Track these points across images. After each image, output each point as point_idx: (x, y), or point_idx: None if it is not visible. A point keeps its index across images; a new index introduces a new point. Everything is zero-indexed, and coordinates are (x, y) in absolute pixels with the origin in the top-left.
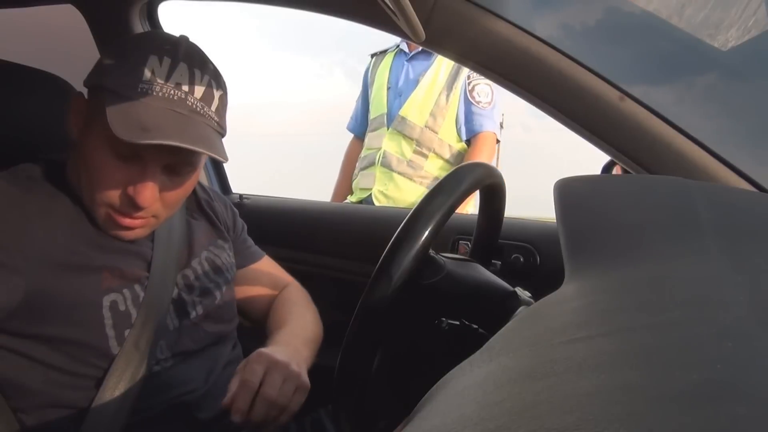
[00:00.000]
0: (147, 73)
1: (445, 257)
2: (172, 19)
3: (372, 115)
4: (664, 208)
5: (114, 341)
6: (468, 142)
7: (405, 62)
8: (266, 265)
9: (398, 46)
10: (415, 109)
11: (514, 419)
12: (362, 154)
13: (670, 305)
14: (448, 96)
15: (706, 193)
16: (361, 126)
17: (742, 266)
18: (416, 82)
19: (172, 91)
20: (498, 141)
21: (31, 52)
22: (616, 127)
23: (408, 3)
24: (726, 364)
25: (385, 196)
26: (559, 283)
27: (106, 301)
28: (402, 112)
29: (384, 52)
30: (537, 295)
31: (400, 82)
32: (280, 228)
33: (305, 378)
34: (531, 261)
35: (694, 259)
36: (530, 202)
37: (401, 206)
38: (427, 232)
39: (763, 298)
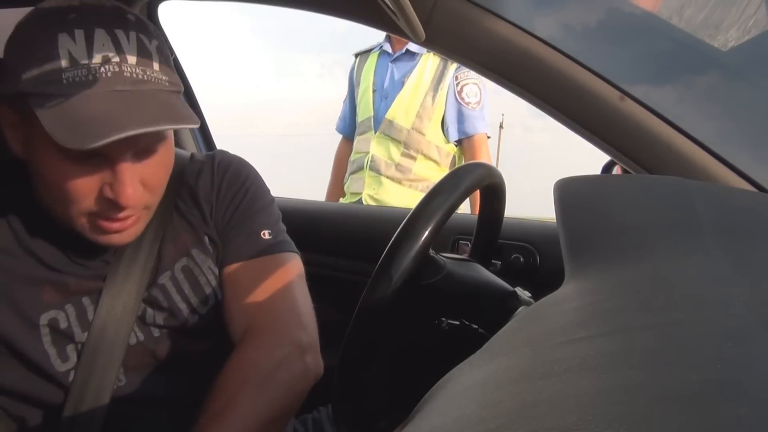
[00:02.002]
0: (63, 57)
1: (445, 257)
2: (172, 19)
3: (359, 118)
4: (664, 208)
5: (57, 359)
6: (460, 143)
7: (389, 64)
8: (260, 274)
9: (381, 46)
10: (401, 111)
11: (514, 419)
12: (351, 157)
13: (670, 305)
14: (434, 97)
15: (706, 193)
16: (349, 127)
17: (742, 266)
18: (401, 83)
19: (101, 69)
20: (488, 137)
21: None
22: (616, 127)
23: (408, 3)
24: (726, 364)
25: (375, 200)
26: (559, 283)
27: (44, 319)
28: (389, 115)
29: (368, 52)
30: (537, 295)
31: (386, 84)
32: None
33: None
34: (531, 261)
35: (694, 259)
36: (530, 202)
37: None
38: (427, 232)
39: (763, 298)
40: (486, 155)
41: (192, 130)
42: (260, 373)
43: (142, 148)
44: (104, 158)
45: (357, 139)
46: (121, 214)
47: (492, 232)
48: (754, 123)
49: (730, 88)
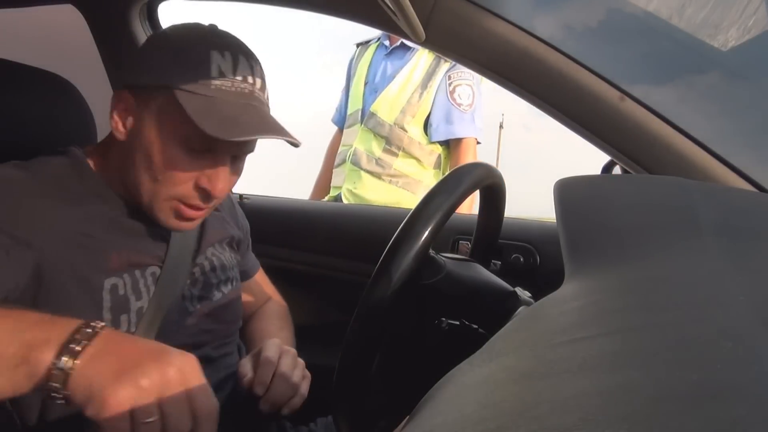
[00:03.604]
0: (214, 70)
1: (445, 257)
2: (172, 20)
3: (349, 110)
4: (664, 208)
5: (109, 325)
6: (446, 143)
7: (384, 57)
8: (262, 277)
9: (380, 38)
10: (386, 106)
11: (514, 419)
12: (339, 150)
13: (670, 305)
14: (421, 94)
15: (706, 193)
16: (344, 119)
17: (742, 266)
18: (392, 78)
19: (242, 85)
20: (478, 143)
21: (31, 52)
22: (616, 127)
23: (408, 3)
24: (726, 364)
25: (353, 194)
26: (559, 283)
27: (108, 283)
28: (373, 108)
29: (367, 43)
30: (537, 295)
31: (377, 78)
32: (280, 228)
33: (307, 372)
34: (531, 261)
35: (694, 259)
36: (530, 202)
37: (372, 204)
38: (427, 232)
39: (763, 298)
40: (472, 160)
41: None
42: (284, 317)
43: (240, 154)
44: (212, 154)
45: (345, 132)
46: (206, 204)
47: (492, 232)
48: (754, 123)
49: (730, 88)
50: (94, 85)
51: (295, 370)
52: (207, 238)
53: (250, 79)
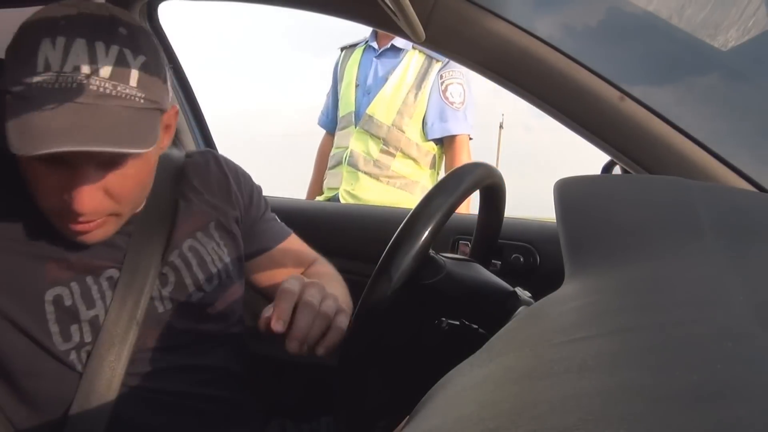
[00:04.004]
0: (40, 62)
1: (445, 257)
2: (172, 20)
3: (341, 113)
4: (664, 208)
5: (59, 337)
6: (440, 142)
7: (374, 59)
8: (294, 243)
9: (367, 41)
10: (382, 108)
11: (514, 419)
12: (331, 152)
13: (670, 305)
14: (416, 94)
15: (706, 193)
16: (331, 122)
17: (742, 266)
18: (385, 79)
19: (69, 78)
20: (471, 139)
21: None
22: (616, 127)
23: (408, 3)
24: (726, 364)
25: (351, 195)
26: (559, 283)
27: (50, 295)
28: (369, 111)
29: (353, 46)
30: (537, 295)
31: (369, 80)
32: None
33: (344, 306)
34: (531, 261)
35: (694, 259)
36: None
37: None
38: (427, 233)
39: (763, 298)
40: (467, 157)
41: (192, 131)
42: (334, 275)
43: (106, 159)
44: (67, 165)
45: (337, 134)
46: (81, 219)
47: (492, 232)
48: (754, 123)
49: (730, 88)
50: None
51: (324, 301)
52: (181, 228)
53: (85, 69)
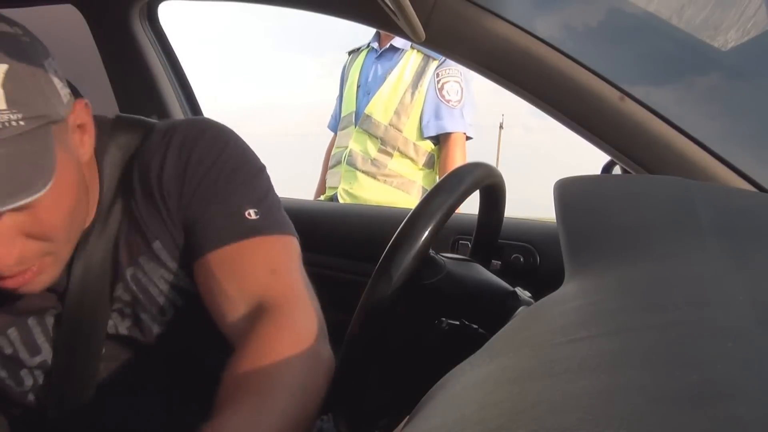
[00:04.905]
0: None
1: (445, 257)
2: (172, 20)
3: (343, 113)
4: (664, 208)
5: (11, 381)
6: (436, 140)
7: (374, 60)
8: (223, 258)
9: (370, 44)
10: (380, 107)
11: (514, 419)
12: (332, 152)
13: (670, 305)
14: (413, 94)
15: (706, 193)
16: (339, 124)
17: (742, 266)
18: (383, 79)
19: None
20: (469, 138)
21: None
22: (616, 127)
23: (408, 3)
24: (726, 364)
25: (349, 194)
26: (559, 283)
27: None
28: (367, 110)
29: (359, 50)
30: (537, 295)
31: (369, 80)
32: None
33: None
34: (531, 261)
35: (694, 259)
36: (530, 202)
37: (369, 204)
38: (427, 233)
39: (763, 298)
40: (461, 154)
41: (179, 99)
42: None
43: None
44: None
45: (339, 134)
46: (5, 274)
47: (492, 232)
48: (754, 123)
49: (730, 88)
50: (93, 86)
51: None
52: (123, 253)
53: None
